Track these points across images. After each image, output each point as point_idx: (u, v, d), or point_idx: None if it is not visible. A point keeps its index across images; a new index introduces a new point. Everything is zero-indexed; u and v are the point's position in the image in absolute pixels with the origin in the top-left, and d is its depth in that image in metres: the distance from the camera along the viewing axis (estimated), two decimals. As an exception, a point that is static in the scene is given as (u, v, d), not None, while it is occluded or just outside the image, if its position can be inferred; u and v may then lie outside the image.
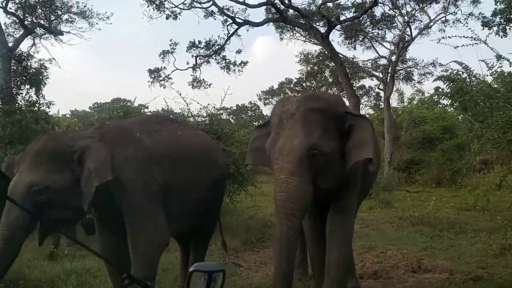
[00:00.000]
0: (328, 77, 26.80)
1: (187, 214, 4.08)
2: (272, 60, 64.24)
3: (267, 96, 34.70)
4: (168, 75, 18.76)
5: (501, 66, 5.63)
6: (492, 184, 5.87)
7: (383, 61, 21.51)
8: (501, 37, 16.27)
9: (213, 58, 18.78)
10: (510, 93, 5.05)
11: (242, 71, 19.12)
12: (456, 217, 8.76)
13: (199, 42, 18.43)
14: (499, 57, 5.34)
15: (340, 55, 18.66)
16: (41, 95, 10.66)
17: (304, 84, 29.43)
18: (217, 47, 18.46)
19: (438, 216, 8.51)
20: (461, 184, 10.80)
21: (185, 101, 9.36)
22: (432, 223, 8.07)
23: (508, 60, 5.17)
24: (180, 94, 9.31)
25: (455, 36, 5.46)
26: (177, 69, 18.66)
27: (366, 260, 5.98)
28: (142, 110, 12.48)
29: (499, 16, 16.29)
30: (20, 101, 10.37)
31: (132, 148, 3.65)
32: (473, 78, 5.91)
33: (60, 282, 4.71)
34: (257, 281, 5.10)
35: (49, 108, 10.72)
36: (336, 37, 35.84)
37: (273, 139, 3.63)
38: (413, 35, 19.20)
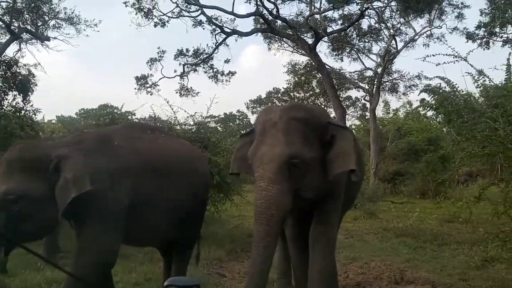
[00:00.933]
0: (315, 88, 27.05)
1: (167, 223, 4.02)
2: (260, 69, 64.38)
3: (255, 105, 34.74)
4: (155, 82, 18.74)
5: (485, 80, 5.75)
6: (472, 196, 5.97)
7: (369, 73, 21.80)
8: (484, 49, 16.62)
9: (200, 66, 18.80)
10: (493, 107, 5.13)
11: (229, 81, 19.16)
12: (439, 228, 8.87)
13: (187, 50, 18.41)
14: (480, 72, 5.46)
15: (327, 66, 18.86)
16: (28, 101, 10.54)
17: (291, 94, 29.64)
18: (205, 56, 18.49)
19: (422, 227, 8.61)
20: (445, 196, 10.91)
21: (172, 108, 9.28)
22: (415, 235, 8.15)
23: (488, 76, 5.29)
24: (167, 102, 9.24)
25: (438, 54, 5.57)
26: (164, 76, 18.64)
27: (350, 271, 6.01)
28: (129, 117, 12.37)
29: (483, 29, 16.66)
30: (6, 107, 10.23)
31: (105, 158, 3.56)
32: (457, 93, 6.02)
33: (41, 292, 4.66)
34: (241, 291, 5.10)
35: (35, 115, 10.59)
36: (323, 49, 36.26)
37: (255, 147, 3.69)
38: (399, 47, 19.52)
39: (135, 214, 3.64)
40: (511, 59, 5.66)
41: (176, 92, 19.10)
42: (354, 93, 27.07)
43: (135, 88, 18.74)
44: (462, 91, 5.99)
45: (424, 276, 5.67)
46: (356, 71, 22.58)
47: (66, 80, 54.71)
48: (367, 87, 21.79)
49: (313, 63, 19.80)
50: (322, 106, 25.34)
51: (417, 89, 21.05)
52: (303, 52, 19.59)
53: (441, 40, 17.11)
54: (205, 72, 18.91)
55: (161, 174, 3.85)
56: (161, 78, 18.60)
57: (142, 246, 5.46)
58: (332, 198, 4.06)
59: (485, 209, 9.02)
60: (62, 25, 15.47)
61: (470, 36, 17.14)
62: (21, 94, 10.54)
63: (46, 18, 15.08)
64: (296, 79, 26.42)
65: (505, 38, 16.31)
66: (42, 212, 3.29)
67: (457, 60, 5.37)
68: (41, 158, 3.38)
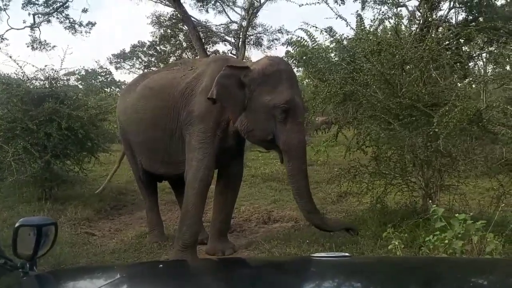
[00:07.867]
0: (183, 41, 26.42)
1: None
2: (123, 21, 60.56)
3: (119, 60, 32.72)
4: (2, 35, 16.52)
5: (342, 35, 6.21)
6: (328, 139, 6.59)
7: (234, 26, 21.93)
8: (340, 5, 17.42)
9: (54, 16, 17.01)
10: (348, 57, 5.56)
11: (89, 32, 17.77)
12: (301, 171, 9.58)
13: (37, -3, 16.42)
14: (331, 29, 5.88)
15: (192, 19, 18.45)
16: None
17: (158, 48, 28.56)
18: (58, 5, 16.71)
19: (285, 171, 9.20)
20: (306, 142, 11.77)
21: (17, 63, 8.06)
22: (280, 179, 8.70)
23: (346, 20, 5.69)
24: (10, 57, 7.96)
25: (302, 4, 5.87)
26: (11, 28, 16.54)
27: (221, 217, 6.24)
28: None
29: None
30: None
31: None
32: (316, 45, 6.39)
33: None
34: (112, 247, 4.97)
35: None
36: (188, -1, 35.11)
37: (290, 94, 4.24)
38: (262, 1, 19.87)
39: None
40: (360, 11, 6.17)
41: (28, 46, 17.15)
42: (221, 47, 27.14)
43: (-23, 43, 16.32)
44: (320, 44, 6.39)
45: (288, 214, 6.17)
46: (222, 24, 22.55)
47: None
48: (233, 40, 22.00)
49: (179, 15, 19.20)
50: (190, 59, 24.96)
51: (279, 42, 21.95)
52: (167, 2, 18.86)
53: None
54: (61, 22, 17.22)
55: None
56: (8, 30, 16.56)
57: None
58: None
59: (340, 152, 9.99)
60: None
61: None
62: None
63: None
64: (162, 31, 25.46)
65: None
66: None
67: (318, 2, 5.74)
68: None
